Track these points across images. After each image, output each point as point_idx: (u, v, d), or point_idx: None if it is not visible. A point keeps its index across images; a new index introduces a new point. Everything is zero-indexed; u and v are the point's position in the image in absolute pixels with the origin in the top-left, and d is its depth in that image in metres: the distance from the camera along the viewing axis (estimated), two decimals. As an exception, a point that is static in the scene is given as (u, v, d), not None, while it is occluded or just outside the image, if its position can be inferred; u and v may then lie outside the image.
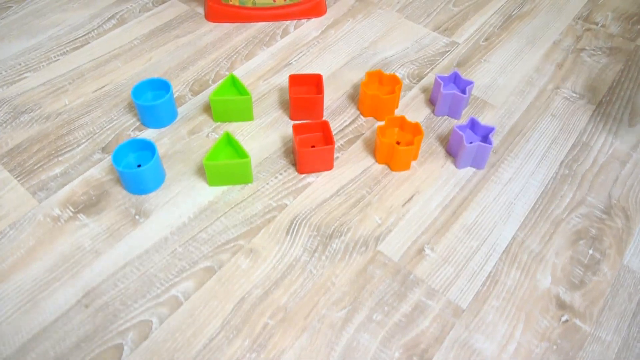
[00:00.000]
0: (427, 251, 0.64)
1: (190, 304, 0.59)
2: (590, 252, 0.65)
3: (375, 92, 0.76)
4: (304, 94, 0.78)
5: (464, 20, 0.96)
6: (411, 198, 0.69)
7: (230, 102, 0.75)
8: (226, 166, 0.67)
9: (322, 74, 0.85)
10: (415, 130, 0.72)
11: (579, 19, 0.98)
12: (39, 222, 0.66)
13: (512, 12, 0.99)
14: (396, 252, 0.64)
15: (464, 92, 0.78)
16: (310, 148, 0.70)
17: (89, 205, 0.67)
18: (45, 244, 0.64)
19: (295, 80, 0.78)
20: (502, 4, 1.00)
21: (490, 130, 0.71)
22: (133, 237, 0.65)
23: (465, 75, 0.86)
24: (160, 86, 0.77)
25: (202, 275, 0.61)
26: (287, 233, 0.65)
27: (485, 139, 0.72)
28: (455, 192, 0.70)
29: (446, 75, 0.79)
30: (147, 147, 0.69)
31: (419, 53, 0.89)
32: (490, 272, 0.63)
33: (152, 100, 0.76)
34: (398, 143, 0.72)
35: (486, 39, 0.93)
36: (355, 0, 1.00)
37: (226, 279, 0.61)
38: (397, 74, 0.85)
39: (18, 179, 0.70)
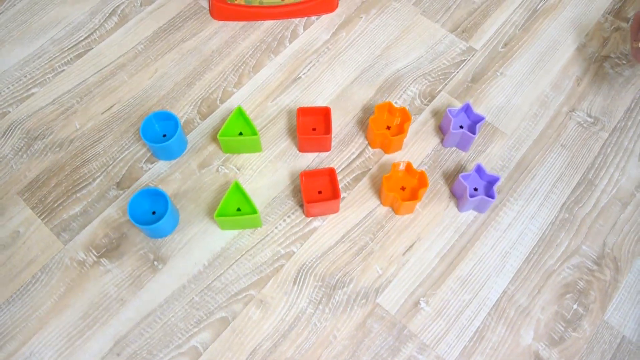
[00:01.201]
0: (422, 304, 0.70)
1: (208, 355, 0.67)
2: (575, 306, 0.70)
3: (384, 131, 0.75)
4: (311, 131, 0.77)
5: (485, 17, 0.90)
6: (412, 245, 0.73)
7: (238, 141, 0.76)
8: (236, 220, 0.71)
9: (331, 90, 0.83)
10: (420, 179, 0.73)
11: (609, 14, 0.91)
12: (66, 266, 0.72)
13: (538, 5, 0.91)
14: (394, 305, 0.70)
15: (475, 122, 0.77)
16: (317, 198, 0.72)
17: (111, 249, 0.72)
18: (75, 289, 0.70)
19: (304, 111, 0.77)
20: (528, -8, 0.93)
21: (495, 180, 0.72)
22: (154, 285, 0.71)
23: (479, 92, 0.83)
24: (168, 116, 0.77)
25: (218, 326, 0.68)
26: (294, 283, 0.71)
27: (490, 185, 0.73)
28: (454, 240, 0.73)
29: (457, 108, 0.77)
30: (160, 196, 0.72)
31: (433, 63, 0.86)
32: (478, 328, 0.69)
33: (161, 132, 0.77)
34: (403, 189, 0.74)
35: (505, 44, 0.88)
36: (370, -11, 0.93)
37: (239, 330, 0.68)
38: (409, 93, 0.83)
39: (41, 217, 0.74)
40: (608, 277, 0.72)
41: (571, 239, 0.74)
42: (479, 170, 0.73)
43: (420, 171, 0.73)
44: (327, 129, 0.76)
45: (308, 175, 0.73)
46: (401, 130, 0.76)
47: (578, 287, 0.71)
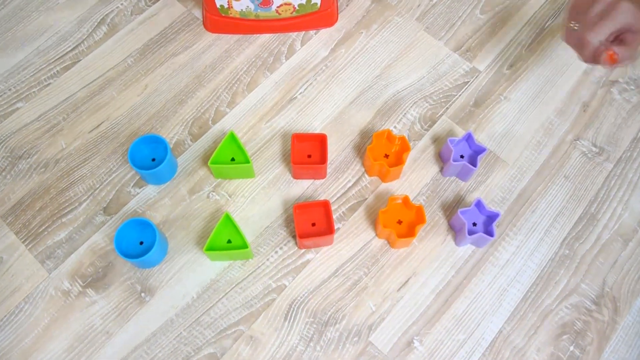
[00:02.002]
0: (416, 344, 0.68)
1: (196, 393, 0.66)
2: (571, 348, 0.69)
3: (382, 161, 0.72)
4: (306, 158, 0.74)
5: (490, 35, 0.86)
6: (407, 281, 0.71)
7: (230, 168, 0.73)
8: (227, 254, 0.68)
9: (328, 112, 0.80)
10: (418, 214, 0.70)
11: (620, 34, 0.87)
12: (51, 296, 0.69)
13: (546, 22, 0.88)
14: (386, 343, 0.68)
15: (476, 152, 0.75)
16: (311, 232, 0.70)
17: (97, 278, 0.70)
18: (60, 321, 0.68)
19: (299, 137, 0.74)
20: (537, 9, 0.89)
21: (495, 216, 0.70)
22: (140, 318, 0.69)
23: (481, 117, 0.80)
24: (157, 140, 0.73)
25: (206, 363, 0.67)
26: (286, 318, 0.69)
27: (490, 220, 0.71)
28: (451, 276, 0.71)
29: (458, 138, 0.74)
30: (148, 225, 0.69)
31: (435, 85, 0.82)
32: (472, 370, 0.68)
33: (150, 156, 0.74)
34: (400, 222, 0.71)
35: (511, 66, 0.84)
36: (372, 2, 0.88)
37: (228, 368, 0.67)
38: (409, 117, 0.80)
39: (25, 243, 0.72)
40: (606, 317, 0.70)
41: (570, 276, 0.72)
42: (479, 205, 0.71)
43: (417, 205, 0.70)
44: (323, 157, 0.74)
45: (301, 208, 0.70)
46: (399, 161, 0.73)
47: (575, 327, 0.70)
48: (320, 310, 0.69)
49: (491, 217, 0.71)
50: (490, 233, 0.69)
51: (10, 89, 0.81)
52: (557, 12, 0.88)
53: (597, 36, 0.59)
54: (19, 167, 0.76)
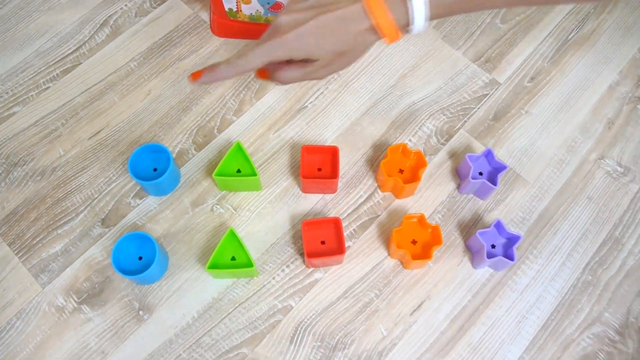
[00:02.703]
0: (429, 373, 0.64)
1: (194, 420, 0.62)
2: (594, 381, 0.65)
3: (396, 177, 0.69)
4: (316, 171, 0.70)
5: (511, 45, 0.82)
6: (421, 305, 0.67)
7: (235, 181, 0.69)
8: (231, 272, 0.65)
9: (340, 123, 0.76)
10: (434, 235, 0.66)
11: (646, 48, 0.83)
12: (44, 312, 0.66)
13: (570, 34, 0.84)
14: (398, 372, 0.64)
15: (496, 170, 0.71)
16: (320, 250, 0.66)
17: (93, 294, 0.67)
18: (53, 339, 0.65)
19: (309, 150, 0.70)
20: (560, 20, 0.85)
21: (515, 239, 0.66)
22: (137, 337, 0.65)
23: (501, 132, 0.76)
24: (159, 149, 0.70)
25: (206, 388, 0.63)
26: (291, 342, 0.65)
27: (510, 243, 0.67)
28: (467, 300, 0.67)
29: (477, 154, 0.70)
30: (147, 239, 0.65)
31: (453, 97, 0.78)
32: (489, 402, 0.64)
33: (151, 166, 0.70)
34: (414, 242, 0.67)
35: (532, 78, 0.80)
36: (387, 8, 0.84)
37: (229, 394, 0.63)
38: (424, 130, 0.76)
39: (19, 256, 0.68)
40: (631, 349, 0.66)
41: (593, 304, 0.68)
42: (499, 226, 0.67)
43: (434, 225, 0.66)
44: (334, 171, 0.70)
45: (310, 225, 0.66)
46: (415, 177, 0.69)
47: (598, 359, 0.66)
48: (329, 333, 0.66)
49: (511, 240, 0.67)
50: (510, 257, 0.65)
51: (7, 92, 0.77)
52: (581, 23, 0.84)
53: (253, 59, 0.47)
54: (14, 175, 0.73)
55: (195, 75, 0.49)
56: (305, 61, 0.48)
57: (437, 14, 0.45)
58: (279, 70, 0.49)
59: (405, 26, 0.45)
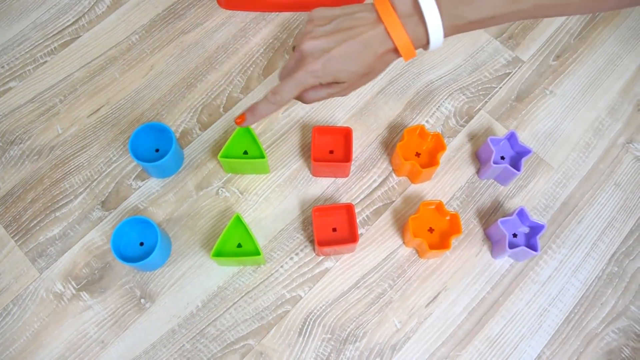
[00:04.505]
0: (445, 367, 0.61)
1: (198, 413, 0.59)
2: (618, 378, 0.61)
3: (413, 161, 0.64)
4: (328, 154, 0.67)
5: (535, 21, 0.77)
6: (437, 296, 0.64)
7: (242, 163, 0.65)
8: (237, 260, 0.61)
9: (353, 103, 0.72)
10: (452, 223, 0.63)
11: (681, 25, 0.78)
12: (41, 299, 0.63)
13: (599, 9, 0.78)
14: (412, 366, 0.61)
15: (520, 154, 0.66)
16: (331, 238, 0.62)
17: (92, 281, 0.63)
18: (51, 327, 0.62)
19: (320, 130, 0.66)
20: (588, -7, 0.79)
21: (539, 228, 0.62)
22: (139, 326, 0.62)
23: (524, 114, 0.72)
24: (162, 128, 0.66)
25: (211, 380, 0.60)
26: (300, 334, 0.62)
27: (534, 232, 0.63)
28: (486, 292, 0.64)
29: (500, 137, 0.66)
30: (149, 224, 0.62)
31: (473, 75, 0.74)
32: (507, 399, 0.60)
33: (153, 146, 0.66)
34: (431, 230, 0.64)
35: (558, 56, 0.75)
36: (404, -20, 0.79)
37: (234, 386, 0.60)
38: (442, 111, 0.72)
39: (15, 239, 0.65)
40: (658, 345, 0.63)
41: (619, 297, 0.64)
42: (521, 214, 0.63)
43: (453, 213, 0.62)
44: (347, 154, 0.66)
45: (321, 211, 0.63)
46: (432, 160, 0.65)
47: (623, 355, 0.62)
48: (339, 325, 0.62)
49: (534, 229, 0.63)
50: (533, 247, 0.61)
51: (3, 66, 0.73)
52: (612, -3, 0.79)
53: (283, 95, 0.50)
54: (10, 154, 0.69)
55: (239, 121, 0.53)
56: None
57: (452, 33, 0.47)
58: (305, 92, 0.51)
59: (423, 45, 0.48)
